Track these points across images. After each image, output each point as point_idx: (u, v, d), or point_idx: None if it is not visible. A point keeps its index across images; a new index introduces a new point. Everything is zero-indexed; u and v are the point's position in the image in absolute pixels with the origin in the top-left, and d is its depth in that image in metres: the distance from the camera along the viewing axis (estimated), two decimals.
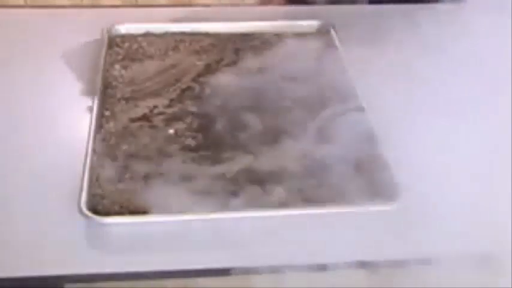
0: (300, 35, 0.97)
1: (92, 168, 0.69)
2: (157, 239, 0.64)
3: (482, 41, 0.90)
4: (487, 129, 0.82)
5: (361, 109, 0.81)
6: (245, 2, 1.20)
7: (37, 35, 0.94)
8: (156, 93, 0.83)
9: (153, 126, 0.77)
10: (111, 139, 0.75)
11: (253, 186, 0.69)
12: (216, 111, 0.80)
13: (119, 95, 0.82)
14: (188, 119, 0.79)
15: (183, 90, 0.84)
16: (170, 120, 0.78)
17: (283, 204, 0.68)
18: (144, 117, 0.79)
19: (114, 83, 0.84)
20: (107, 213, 0.65)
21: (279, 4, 1.10)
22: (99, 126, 0.76)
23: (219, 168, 0.71)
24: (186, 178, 0.70)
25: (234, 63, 0.89)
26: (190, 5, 1.06)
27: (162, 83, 0.85)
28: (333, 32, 0.96)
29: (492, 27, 0.86)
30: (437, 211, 0.70)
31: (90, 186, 0.67)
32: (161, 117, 0.79)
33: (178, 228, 0.65)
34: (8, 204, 0.68)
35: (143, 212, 0.66)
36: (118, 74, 0.86)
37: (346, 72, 0.88)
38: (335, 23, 0.97)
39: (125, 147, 0.74)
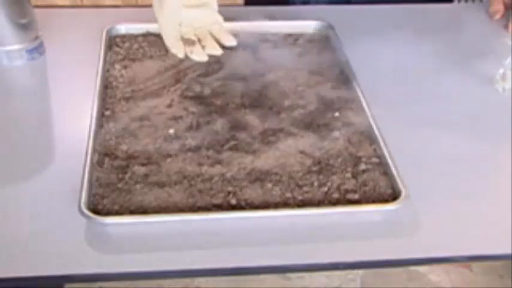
0: (300, 35, 0.97)
1: (92, 168, 0.69)
2: (157, 239, 0.64)
3: None
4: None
5: (361, 108, 0.81)
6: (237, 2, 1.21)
7: None
8: (156, 93, 0.83)
9: (153, 126, 0.77)
10: (111, 139, 0.75)
11: (253, 186, 0.69)
12: (216, 111, 0.80)
13: (119, 95, 0.82)
14: (188, 119, 0.78)
15: (183, 90, 0.84)
16: (170, 120, 0.78)
17: (283, 204, 0.68)
18: (144, 117, 0.79)
19: (114, 83, 0.84)
20: (107, 213, 0.65)
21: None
22: (99, 126, 0.76)
23: (219, 168, 0.71)
24: (186, 178, 0.70)
25: (234, 63, 0.89)
26: None
27: (162, 83, 0.85)
28: (332, 32, 0.96)
29: None
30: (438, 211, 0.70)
31: (90, 186, 0.67)
32: (161, 117, 0.79)
33: (178, 228, 0.65)
34: (8, 204, 0.68)
35: (143, 212, 0.66)
36: (118, 74, 0.86)
37: (346, 72, 0.88)
38: (334, 23, 0.97)
39: (124, 147, 0.74)
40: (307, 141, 0.76)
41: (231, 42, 0.89)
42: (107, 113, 0.79)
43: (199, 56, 0.87)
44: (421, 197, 0.70)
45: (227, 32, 0.90)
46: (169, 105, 0.81)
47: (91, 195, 0.67)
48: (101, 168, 0.71)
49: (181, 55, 0.87)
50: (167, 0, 0.86)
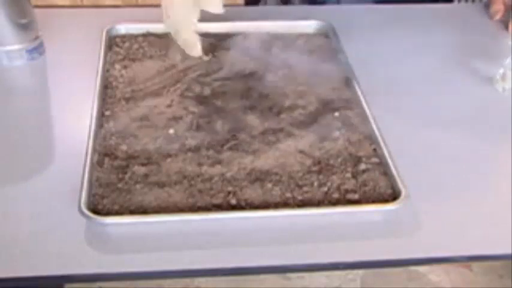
0: (300, 35, 0.97)
1: (92, 168, 0.69)
2: (157, 239, 0.64)
3: None
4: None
5: (361, 108, 0.81)
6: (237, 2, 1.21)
7: None
8: (156, 93, 0.83)
9: (153, 126, 0.77)
10: (111, 139, 0.75)
11: (253, 186, 0.69)
12: (216, 111, 0.80)
13: (119, 95, 0.82)
14: (188, 119, 0.78)
15: (183, 90, 0.84)
16: (170, 120, 0.78)
17: (283, 204, 0.68)
18: (144, 117, 0.79)
19: (114, 83, 0.84)
20: (107, 213, 0.65)
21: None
22: (99, 126, 0.76)
23: (219, 168, 0.71)
24: (186, 178, 0.70)
25: (234, 62, 0.89)
26: None
27: (162, 83, 0.85)
28: (332, 32, 0.96)
29: None
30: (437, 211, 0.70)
31: (90, 186, 0.67)
32: (161, 117, 0.79)
33: (178, 228, 0.65)
34: (8, 204, 0.68)
35: (143, 212, 0.66)
36: (118, 74, 0.86)
37: (346, 72, 0.88)
38: (335, 23, 0.97)
39: (124, 147, 0.74)
40: (307, 141, 0.76)
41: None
42: (107, 113, 0.79)
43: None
44: (421, 197, 0.70)
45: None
46: (169, 105, 0.81)
47: (91, 195, 0.67)
48: (101, 168, 0.71)
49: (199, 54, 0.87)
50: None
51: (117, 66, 0.88)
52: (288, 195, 0.69)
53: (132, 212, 0.66)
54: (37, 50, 0.90)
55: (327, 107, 0.82)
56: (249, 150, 0.74)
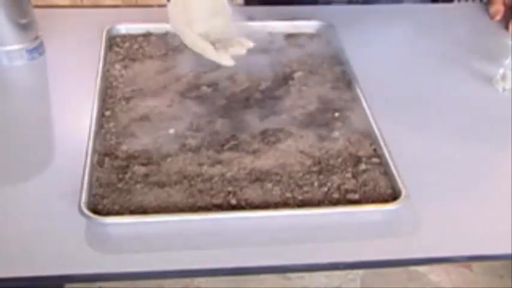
0: (301, 35, 0.97)
1: (92, 168, 0.69)
2: (157, 239, 0.64)
3: None
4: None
5: (361, 108, 0.81)
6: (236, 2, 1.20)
7: None
8: (156, 93, 0.83)
9: (153, 126, 0.77)
10: (111, 139, 0.75)
11: (253, 186, 0.69)
12: (216, 111, 0.80)
13: (119, 95, 0.82)
14: (188, 119, 0.78)
15: (183, 90, 0.84)
16: (170, 120, 0.78)
17: (283, 204, 0.68)
18: (144, 117, 0.79)
19: (114, 83, 0.85)
20: (107, 213, 0.65)
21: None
22: (99, 126, 0.76)
23: (219, 168, 0.71)
24: (186, 178, 0.70)
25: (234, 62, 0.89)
26: None
27: (162, 83, 0.85)
28: (332, 32, 0.96)
29: None
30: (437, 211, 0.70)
31: (90, 186, 0.67)
32: (161, 117, 0.79)
33: (178, 228, 0.65)
34: (8, 204, 0.68)
35: (143, 212, 0.66)
36: (118, 74, 0.86)
37: (346, 72, 0.88)
38: (335, 23, 0.97)
39: (124, 147, 0.74)
40: (307, 141, 0.76)
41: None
42: (107, 113, 0.79)
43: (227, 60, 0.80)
44: (421, 197, 0.70)
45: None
46: (169, 105, 0.81)
47: (91, 195, 0.67)
48: (101, 168, 0.71)
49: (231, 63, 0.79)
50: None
51: (117, 66, 0.88)
52: (288, 195, 0.69)
53: (132, 212, 0.66)
54: (37, 50, 0.90)
55: (327, 107, 0.82)
56: (249, 150, 0.74)
